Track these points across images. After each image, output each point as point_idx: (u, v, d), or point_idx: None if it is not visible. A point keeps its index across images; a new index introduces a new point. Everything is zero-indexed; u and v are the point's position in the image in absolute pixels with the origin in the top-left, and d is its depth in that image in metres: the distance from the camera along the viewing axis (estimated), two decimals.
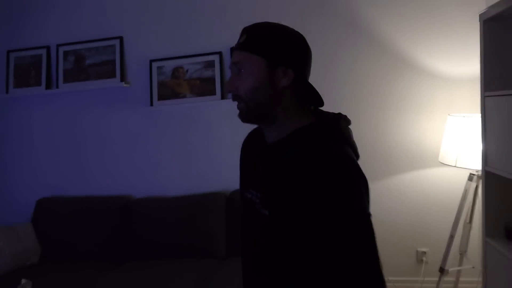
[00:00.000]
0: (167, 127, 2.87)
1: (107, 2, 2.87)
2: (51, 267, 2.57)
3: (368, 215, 0.80)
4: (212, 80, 2.75)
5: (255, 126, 1.06)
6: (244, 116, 0.92)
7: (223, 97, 2.73)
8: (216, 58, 2.74)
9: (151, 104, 2.81)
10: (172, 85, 2.79)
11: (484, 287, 1.83)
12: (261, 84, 0.89)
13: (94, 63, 2.86)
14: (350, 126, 0.97)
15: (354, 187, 0.80)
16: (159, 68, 2.81)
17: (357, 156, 0.91)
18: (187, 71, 2.78)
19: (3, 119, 3.06)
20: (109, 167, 2.96)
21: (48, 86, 2.93)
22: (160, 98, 2.80)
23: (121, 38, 2.84)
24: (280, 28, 0.92)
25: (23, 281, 1.68)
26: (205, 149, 2.84)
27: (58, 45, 2.91)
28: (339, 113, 0.97)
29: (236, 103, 0.94)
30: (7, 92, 2.97)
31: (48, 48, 2.94)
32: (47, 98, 2.98)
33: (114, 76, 2.83)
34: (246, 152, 1.08)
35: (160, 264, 2.51)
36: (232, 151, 2.78)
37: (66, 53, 2.90)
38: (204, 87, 2.76)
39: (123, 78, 2.83)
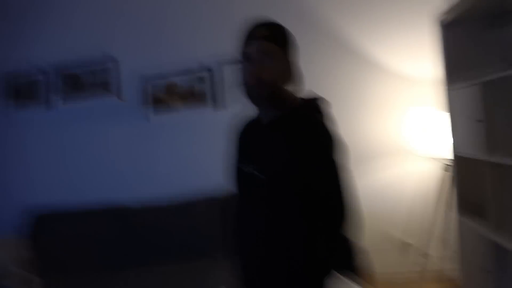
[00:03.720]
0: (162, 138, 3.04)
1: (102, 25, 3.08)
2: (52, 279, 2.64)
3: (341, 165, 1.01)
4: (203, 93, 2.95)
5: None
6: (266, 100, 1.08)
7: (214, 108, 2.93)
8: (206, 73, 2.95)
9: (146, 118, 2.98)
10: (166, 99, 2.98)
11: (460, 259, 2.00)
12: (284, 72, 1.08)
13: (91, 82, 3.04)
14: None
15: (333, 144, 1.05)
16: (153, 84, 3.00)
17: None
18: (179, 85, 2.97)
19: (5, 137, 3.20)
20: (107, 179, 3.09)
21: (47, 107, 3.08)
22: (155, 112, 2.98)
23: (115, 59, 3.03)
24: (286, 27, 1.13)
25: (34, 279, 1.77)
26: (198, 158, 3.01)
27: (57, 67, 3.09)
28: (319, 96, 1.17)
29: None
30: (6, 112, 3.11)
31: (46, 70, 3.11)
32: (46, 118, 3.13)
33: (110, 94, 3.01)
34: (243, 137, 1.28)
35: (160, 268, 2.62)
36: (224, 158, 2.97)
37: (64, 75, 3.08)
38: (196, 100, 2.95)
39: (119, 95, 3.01)
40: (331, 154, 1.03)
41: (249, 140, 1.22)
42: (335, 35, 2.86)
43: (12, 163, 3.21)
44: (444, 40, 2.03)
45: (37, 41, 3.16)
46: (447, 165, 2.54)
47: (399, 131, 2.81)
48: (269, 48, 1.05)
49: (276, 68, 1.06)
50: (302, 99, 1.16)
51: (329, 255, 1.02)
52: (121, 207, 2.96)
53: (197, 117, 2.98)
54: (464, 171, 1.99)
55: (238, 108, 2.75)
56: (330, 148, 1.03)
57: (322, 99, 1.15)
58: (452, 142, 2.04)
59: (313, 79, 2.80)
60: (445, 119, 2.14)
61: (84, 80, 3.05)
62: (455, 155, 2.01)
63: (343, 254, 0.99)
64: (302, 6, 2.87)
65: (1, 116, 3.16)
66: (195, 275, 2.46)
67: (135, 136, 3.06)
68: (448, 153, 2.35)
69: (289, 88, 1.13)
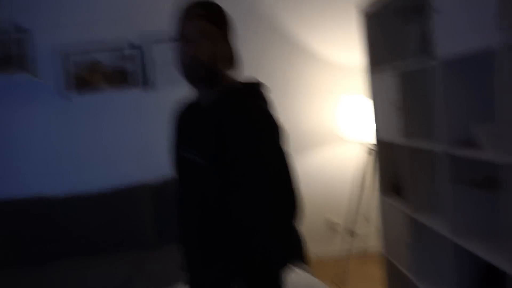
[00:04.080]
0: (85, 122, 2.82)
1: None
2: None
3: (280, 151, 1.01)
4: (131, 73, 2.78)
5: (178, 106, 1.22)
6: (201, 79, 1.05)
7: (143, 89, 2.79)
8: (135, 51, 2.78)
9: (67, 98, 2.75)
10: (89, 78, 2.76)
11: (382, 235, 2.18)
12: (222, 53, 1.05)
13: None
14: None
15: (275, 129, 1.03)
16: (74, 60, 2.75)
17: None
18: (103, 63, 2.77)
19: None
20: (24, 166, 2.81)
21: None
22: (76, 91, 2.76)
23: (26, 29, 2.71)
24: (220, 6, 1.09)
25: None
26: (128, 142, 2.86)
27: None
28: (259, 81, 1.17)
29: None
30: None
31: None
32: None
33: (22, 69, 2.70)
34: (181, 119, 1.23)
35: (89, 260, 2.46)
36: (155, 142, 2.86)
37: None
38: (124, 79, 2.78)
39: (33, 72, 2.71)
40: (274, 139, 1.01)
41: (187, 123, 1.18)
42: (274, 24, 2.88)
43: None
44: (368, 31, 2.14)
45: None
46: (370, 149, 2.73)
47: (332, 117, 2.93)
48: (207, 28, 1.03)
49: (214, 48, 1.04)
50: (241, 83, 1.14)
51: (282, 248, 1.00)
52: (43, 197, 2.71)
53: (124, 99, 2.81)
54: (385, 154, 2.15)
55: (169, 90, 2.70)
56: (272, 133, 1.01)
57: (262, 84, 1.14)
58: (375, 127, 2.18)
59: (251, 65, 2.82)
60: (370, 106, 2.28)
61: None
62: (377, 140, 2.16)
63: (294, 245, 0.97)
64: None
65: None
66: (126, 264, 2.36)
67: (55, 119, 2.80)
68: (372, 138, 2.52)
69: (227, 70, 1.10)
